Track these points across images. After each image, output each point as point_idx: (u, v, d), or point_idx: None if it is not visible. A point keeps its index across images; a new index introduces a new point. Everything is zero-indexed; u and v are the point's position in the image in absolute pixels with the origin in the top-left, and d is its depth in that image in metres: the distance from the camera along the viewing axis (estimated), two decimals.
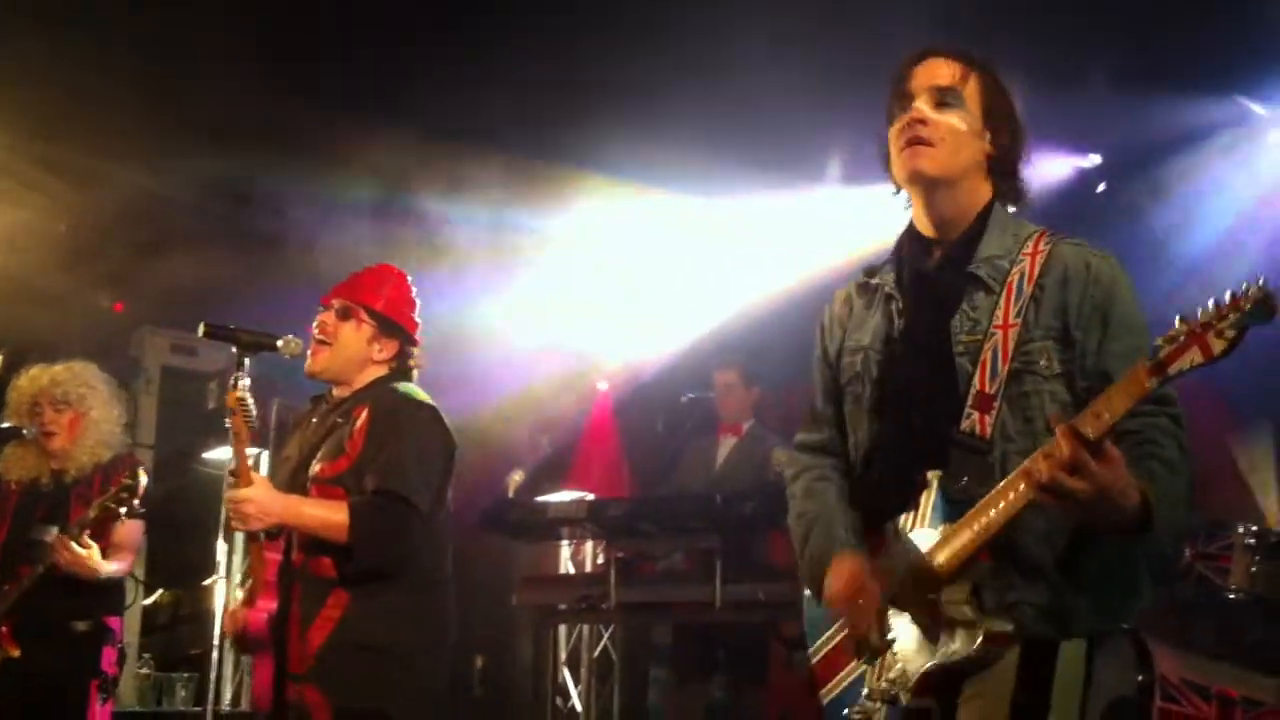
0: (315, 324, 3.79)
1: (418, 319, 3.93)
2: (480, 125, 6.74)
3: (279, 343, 3.63)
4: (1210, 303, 2.00)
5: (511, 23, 6.18)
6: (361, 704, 3.42)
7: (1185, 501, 2.26)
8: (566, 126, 6.69)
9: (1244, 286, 1.98)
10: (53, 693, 4.69)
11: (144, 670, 7.41)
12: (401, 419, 3.65)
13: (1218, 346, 1.98)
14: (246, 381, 3.46)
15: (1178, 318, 2.03)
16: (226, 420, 3.48)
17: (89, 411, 4.99)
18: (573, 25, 6.03)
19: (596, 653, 7.16)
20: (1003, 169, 2.57)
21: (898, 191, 2.64)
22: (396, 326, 3.84)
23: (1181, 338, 2.01)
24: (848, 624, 2.51)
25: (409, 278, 3.96)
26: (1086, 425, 2.09)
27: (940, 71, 2.55)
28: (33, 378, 5.02)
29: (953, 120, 2.51)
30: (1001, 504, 2.24)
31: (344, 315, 3.78)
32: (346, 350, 3.77)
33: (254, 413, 3.47)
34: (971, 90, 2.53)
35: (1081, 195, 7.01)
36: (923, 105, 2.51)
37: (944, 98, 2.52)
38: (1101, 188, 7.14)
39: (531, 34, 6.17)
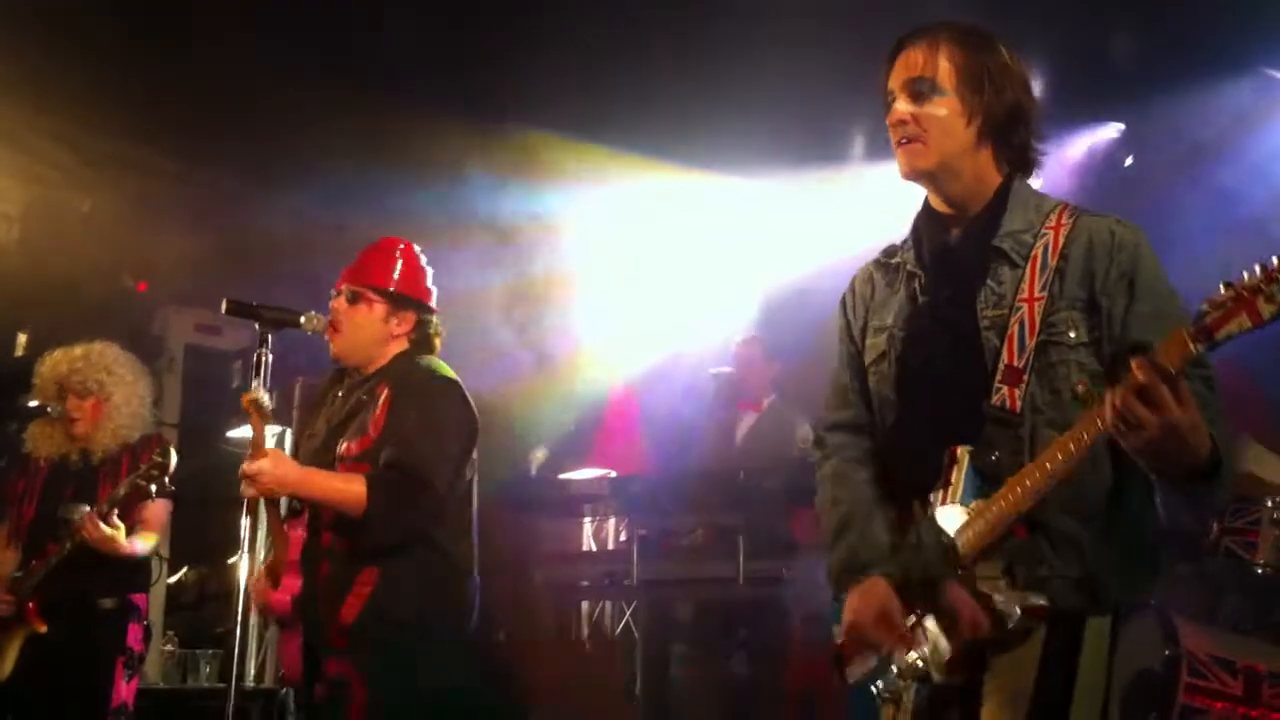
0: (329, 310, 3.78)
1: (431, 286, 3.89)
2: (515, 106, 6.74)
3: (302, 319, 3.63)
4: (1256, 266, 1.93)
5: (544, 5, 6.18)
6: (394, 677, 3.44)
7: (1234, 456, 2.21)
8: (593, 106, 6.67)
9: None
10: (79, 669, 4.72)
11: (169, 647, 7.45)
12: (421, 394, 3.64)
13: (1267, 311, 1.91)
14: (260, 382, 3.48)
15: (1222, 284, 1.96)
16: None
17: (110, 396, 4.99)
18: (603, 5, 6.02)
19: (619, 630, 7.16)
20: (1000, 131, 2.50)
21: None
22: (410, 299, 3.81)
23: (1229, 303, 1.94)
24: (866, 645, 2.48)
25: (416, 247, 3.91)
26: (1161, 360, 2.01)
27: (911, 61, 2.49)
28: (53, 363, 5.01)
29: (931, 110, 2.46)
30: (1036, 474, 2.22)
31: (353, 300, 3.75)
32: (359, 333, 3.74)
33: (270, 411, 3.48)
34: (944, 70, 2.46)
35: (1108, 170, 6.97)
36: (902, 105, 2.48)
37: (918, 88, 2.47)
38: (1129, 161, 7.10)
39: (560, 15, 6.16)
